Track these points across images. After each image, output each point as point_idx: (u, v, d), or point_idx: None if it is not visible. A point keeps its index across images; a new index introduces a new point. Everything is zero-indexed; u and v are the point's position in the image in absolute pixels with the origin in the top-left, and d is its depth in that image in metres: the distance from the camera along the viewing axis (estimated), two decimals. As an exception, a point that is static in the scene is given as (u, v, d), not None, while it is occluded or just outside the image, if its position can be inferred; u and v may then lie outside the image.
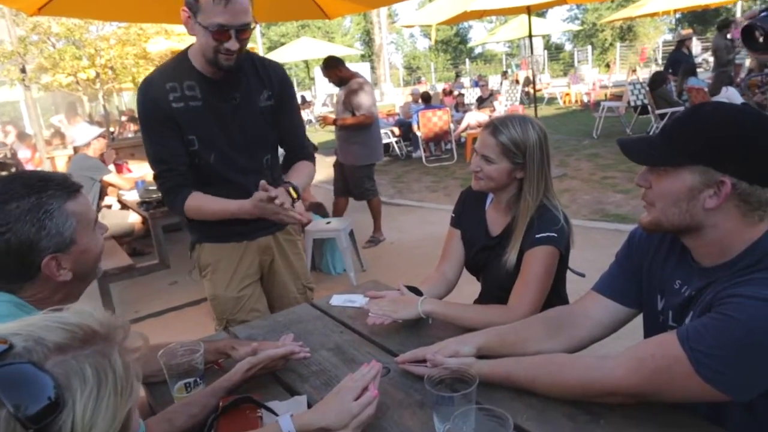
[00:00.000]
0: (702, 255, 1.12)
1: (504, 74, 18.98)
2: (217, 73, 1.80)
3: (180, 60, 1.83)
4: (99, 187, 4.82)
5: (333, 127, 5.08)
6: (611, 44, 32.64)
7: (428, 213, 6.39)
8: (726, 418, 1.08)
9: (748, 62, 10.33)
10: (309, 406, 1.25)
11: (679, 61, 9.57)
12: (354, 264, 4.42)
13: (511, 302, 1.57)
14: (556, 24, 18.22)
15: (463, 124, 9.68)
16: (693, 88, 8.14)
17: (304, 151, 2.08)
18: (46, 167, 6.51)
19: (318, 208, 4.81)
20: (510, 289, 1.61)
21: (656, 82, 8.33)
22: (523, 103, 13.94)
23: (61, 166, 6.55)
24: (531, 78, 12.30)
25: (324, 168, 4.82)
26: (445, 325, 1.57)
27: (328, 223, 4.44)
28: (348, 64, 5.18)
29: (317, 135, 11.09)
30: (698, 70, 10.79)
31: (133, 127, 9.97)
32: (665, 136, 1.11)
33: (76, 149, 4.94)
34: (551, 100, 17.14)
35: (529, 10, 7.93)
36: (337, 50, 17.39)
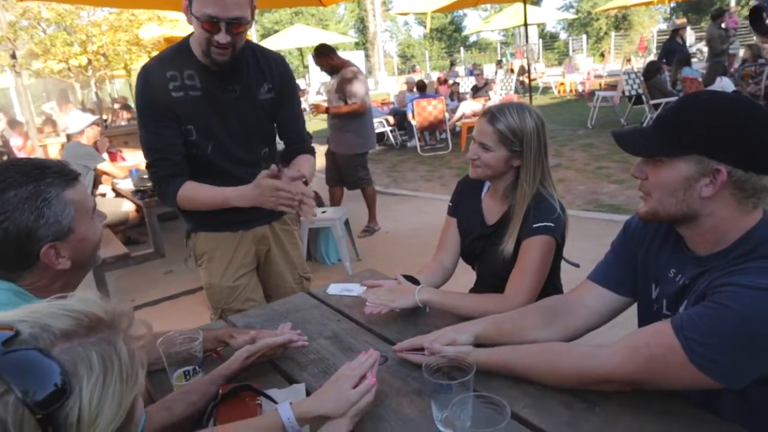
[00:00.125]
0: (697, 244, 1.13)
1: (499, 63, 18.93)
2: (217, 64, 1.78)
3: (181, 48, 1.81)
4: (93, 176, 4.79)
5: (325, 116, 5.05)
6: (606, 33, 32.57)
7: (423, 202, 6.39)
8: (720, 406, 1.09)
9: (742, 52, 10.36)
10: (307, 394, 1.27)
11: (673, 50, 9.57)
12: (349, 253, 4.43)
13: (508, 291, 1.58)
14: (551, 12, 18.19)
15: (458, 113, 9.67)
16: (687, 78, 8.16)
17: (305, 145, 2.07)
18: (39, 155, 6.44)
19: (315, 198, 4.79)
20: (505, 278, 1.63)
21: (651, 71, 8.34)
22: (518, 92, 13.90)
23: (54, 154, 6.49)
24: (526, 67, 12.28)
25: (317, 157, 4.84)
26: (442, 314, 1.58)
27: (323, 212, 4.44)
28: (342, 52, 5.16)
29: (310, 124, 11.02)
30: (692, 59, 10.79)
31: (126, 114, 9.89)
32: (659, 127, 1.11)
33: (69, 137, 4.90)
34: (546, 90, 17.11)
35: (524, -2, 7.90)
36: (331, 38, 17.25)
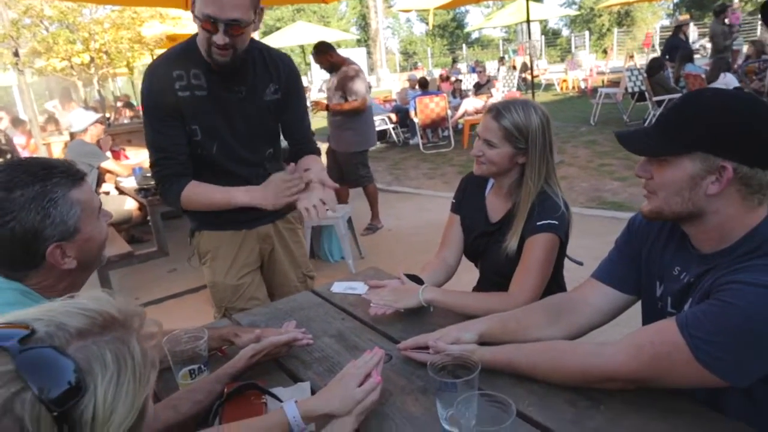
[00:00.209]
0: (701, 241, 1.13)
1: (501, 60, 18.89)
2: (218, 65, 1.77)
3: (188, 47, 1.80)
4: (96, 174, 4.80)
5: (325, 113, 5.05)
6: (609, 30, 32.47)
7: (426, 200, 6.39)
8: (724, 404, 1.09)
9: (745, 48, 10.31)
10: (312, 392, 1.27)
11: (676, 47, 9.54)
12: (352, 251, 4.43)
13: (512, 289, 1.59)
14: (554, 9, 18.13)
15: (461, 111, 9.66)
16: (690, 75, 8.13)
17: (311, 146, 2.06)
18: (42, 153, 6.46)
19: None
20: (509, 276, 1.63)
21: (654, 68, 8.31)
22: (520, 89, 13.89)
23: (57, 152, 6.50)
24: (528, 64, 12.25)
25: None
26: (446, 313, 1.58)
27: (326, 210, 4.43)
28: (344, 50, 5.17)
29: (311, 121, 11.02)
30: (695, 56, 10.75)
31: (128, 113, 9.90)
32: (663, 126, 1.11)
33: (72, 135, 4.91)
34: (548, 87, 17.07)
35: (527, -5, 7.87)
36: (333, 35, 17.22)
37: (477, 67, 14.29)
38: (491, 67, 17.53)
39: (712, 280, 1.04)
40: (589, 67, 16.82)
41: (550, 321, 1.34)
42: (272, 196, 1.72)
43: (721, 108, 1.06)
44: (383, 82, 23.67)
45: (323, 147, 4.81)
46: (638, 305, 1.34)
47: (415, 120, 9.23)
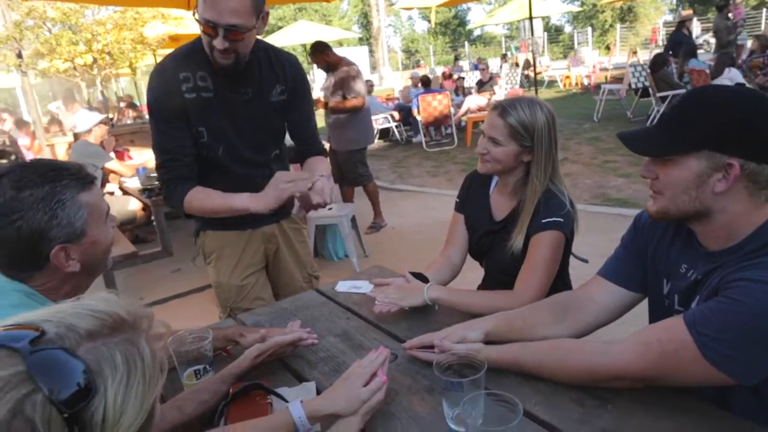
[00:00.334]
0: (709, 239, 1.12)
1: (503, 57, 18.84)
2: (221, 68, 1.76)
3: (193, 48, 1.78)
4: (101, 175, 4.81)
5: (322, 113, 5.06)
6: (611, 26, 32.34)
7: (429, 198, 6.38)
8: (732, 402, 1.09)
9: (749, 43, 10.26)
10: (318, 392, 1.27)
11: (679, 42, 9.50)
12: (356, 250, 4.43)
13: (518, 287, 1.58)
14: (556, 5, 18.00)
15: (464, 108, 9.64)
16: (694, 70, 8.09)
17: (318, 146, 2.04)
18: (46, 154, 6.48)
19: None
20: (514, 274, 1.62)
21: (657, 64, 8.27)
22: (523, 86, 13.85)
23: (61, 154, 6.52)
24: (531, 61, 12.22)
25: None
26: (451, 311, 1.57)
27: (329, 209, 4.44)
28: (346, 48, 5.18)
29: (316, 120, 11.02)
30: (699, 51, 10.70)
31: (132, 113, 9.92)
32: (666, 125, 1.10)
33: (76, 135, 4.91)
34: (551, 83, 17.03)
35: (529, -8, 7.85)
36: (335, 34, 17.20)
37: (480, 65, 14.25)
38: (494, 64, 17.50)
39: (720, 278, 1.03)
40: (592, 63, 16.77)
41: (556, 319, 1.33)
42: (272, 198, 1.68)
43: (725, 105, 1.05)
44: (385, 81, 23.62)
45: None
46: (645, 303, 1.33)
47: (418, 118, 9.22)
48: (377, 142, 10.39)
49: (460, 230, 1.89)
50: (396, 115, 10.27)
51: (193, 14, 1.64)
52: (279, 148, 2.00)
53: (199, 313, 3.62)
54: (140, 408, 0.62)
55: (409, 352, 1.36)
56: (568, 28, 37.56)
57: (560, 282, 1.70)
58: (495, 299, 1.55)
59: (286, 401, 1.20)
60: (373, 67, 27.67)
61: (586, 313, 1.33)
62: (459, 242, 1.88)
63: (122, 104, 11.14)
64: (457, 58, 23.68)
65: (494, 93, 10.38)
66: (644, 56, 14.69)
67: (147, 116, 1.92)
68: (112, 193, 5.27)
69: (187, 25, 8.18)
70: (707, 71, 7.85)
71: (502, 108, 1.64)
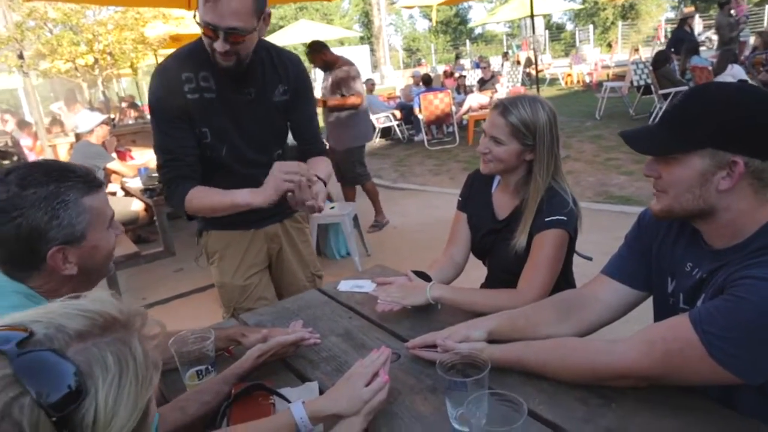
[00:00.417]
0: (714, 237, 1.11)
1: (505, 55, 18.81)
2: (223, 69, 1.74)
3: (195, 49, 1.76)
4: (103, 175, 4.81)
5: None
6: (613, 23, 32.26)
7: (431, 196, 6.37)
8: (738, 401, 1.08)
9: (752, 40, 10.22)
10: (320, 392, 1.26)
11: (681, 39, 9.46)
12: (359, 249, 4.42)
13: (521, 286, 1.57)
14: (557, 3, 17.96)
15: (465, 107, 9.62)
16: (697, 67, 8.06)
17: (320, 146, 2.03)
18: (48, 155, 6.48)
19: None
20: (517, 273, 1.61)
21: (659, 61, 8.24)
22: (525, 84, 13.83)
23: (63, 154, 6.53)
24: (532, 59, 12.19)
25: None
26: (454, 310, 1.57)
27: (331, 208, 4.44)
28: (347, 47, 5.19)
29: (318, 119, 11.03)
30: (701, 48, 10.67)
31: (133, 113, 9.93)
32: (668, 123, 1.09)
33: (78, 136, 4.92)
34: (553, 81, 17.00)
35: (530, -11, 7.82)
36: (336, 33, 17.19)
37: (481, 63, 14.22)
38: (495, 62, 17.47)
39: (725, 276, 1.02)
40: (593, 61, 16.74)
41: (560, 318, 1.32)
42: (272, 190, 1.64)
43: (728, 102, 1.04)
44: (387, 79, 23.60)
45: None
46: (649, 302, 1.32)
47: (420, 117, 9.21)
48: (379, 141, 10.39)
49: (463, 229, 1.88)
50: (397, 113, 10.26)
51: (194, 16, 1.63)
52: (282, 149, 1.99)
53: (201, 313, 3.62)
54: (133, 409, 0.61)
55: (412, 351, 1.35)
56: (569, 26, 37.51)
57: (563, 280, 1.69)
58: (498, 298, 1.54)
59: (289, 402, 1.19)
60: (375, 66, 27.65)
61: (589, 311, 1.32)
62: (461, 241, 1.88)
63: (124, 104, 11.15)
64: (458, 57, 23.62)
65: (496, 91, 10.35)
66: (646, 53, 14.65)
67: (149, 116, 1.91)
68: (114, 194, 5.27)
69: (188, 25, 8.19)
70: (710, 68, 7.82)
71: (504, 107, 1.63)
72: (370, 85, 11.31)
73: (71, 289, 1.16)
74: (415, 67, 19.11)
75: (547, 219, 1.58)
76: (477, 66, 15.54)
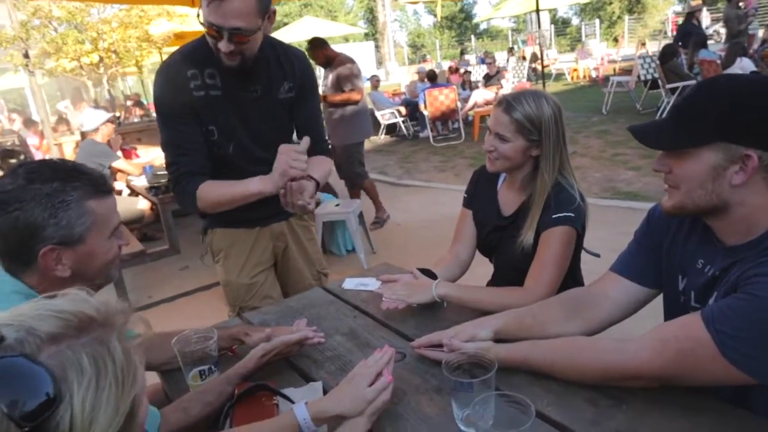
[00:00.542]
0: (727, 234, 1.08)
1: (510, 50, 18.72)
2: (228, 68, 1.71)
3: (200, 45, 1.74)
4: (108, 174, 4.82)
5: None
6: (619, 17, 32.03)
7: (437, 193, 6.35)
8: (752, 401, 1.05)
9: (761, 33, 10.11)
10: (324, 392, 1.25)
11: (689, 33, 9.37)
12: (364, 246, 4.41)
13: (528, 284, 1.55)
14: (563, -3, 17.92)
15: (470, 102, 9.59)
16: (705, 61, 7.99)
17: (323, 146, 2.00)
18: (54, 153, 6.51)
19: (326, 187, 4.81)
20: (524, 270, 1.59)
21: (667, 55, 8.16)
22: (531, 79, 13.76)
23: (69, 153, 6.55)
24: (538, 54, 12.13)
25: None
26: (460, 309, 1.55)
27: (337, 205, 4.43)
28: (352, 44, 5.19)
29: (323, 116, 11.02)
30: (709, 41, 10.56)
31: (138, 111, 9.95)
32: (678, 117, 1.07)
33: (83, 134, 4.92)
34: (559, 76, 16.89)
35: (536, -16, 7.77)
36: (341, 29, 17.18)
37: (487, 59, 14.16)
38: (500, 57, 17.39)
39: (739, 273, 1.00)
40: (600, 55, 16.63)
41: (568, 316, 1.30)
42: (278, 176, 1.63)
43: (739, 94, 1.01)
44: (392, 76, 23.52)
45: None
46: (658, 299, 1.30)
47: (425, 113, 9.18)
48: (384, 138, 10.36)
49: (469, 226, 1.86)
50: (403, 110, 10.23)
51: (198, 16, 1.60)
52: None
53: (207, 311, 3.62)
54: (114, 412, 0.58)
55: (417, 350, 1.33)
56: (575, 21, 37.32)
57: (571, 278, 1.66)
58: (505, 296, 1.52)
59: (292, 402, 1.18)
60: (380, 63, 27.58)
61: (598, 309, 1.30)
62: (467, 238, 1.85)
63: (129, 102, 11.17)
64: (463, 52, 23.56)
65: (501, 87, 10.31)
66: (653, 48, 14.54)
67: (154, 114, 1.89)
68: (120, 192, 5.28)
69: (192, 22, 8.19)
70: (718, 62, 7.74)
71: (507, 103, 1.60)
72: (375, 81, 11.28)
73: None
74: (420, 64, 19.06)
75: (554, 216, 1.56)
76: (482, 62, 15.47)
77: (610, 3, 33.63)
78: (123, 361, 0.61)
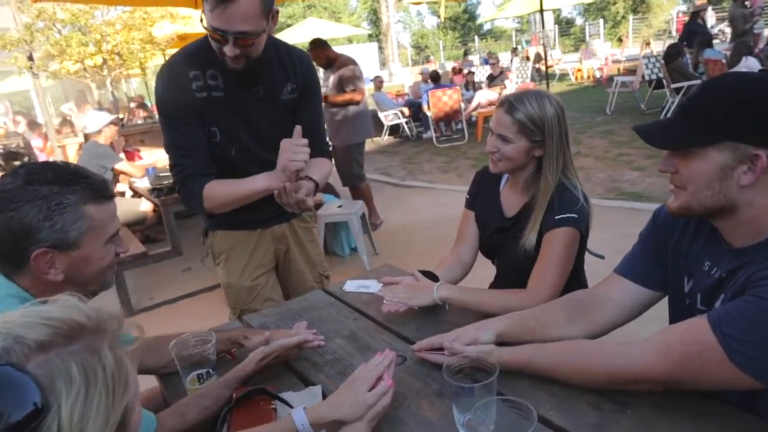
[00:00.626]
0: (734, 235, 1.06)
1: (514, 51, 18.67)
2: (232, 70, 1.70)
3: (202, 46, 1.72)
4: (111, 176, 4.82)
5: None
6: (623, 17, 31.93)
7: (440, 194, 6.32)
8: (761, 406, 1.03)
9: (767, 32, 10.05)
10: (324, 396, 1.23)
11: (694, 32, 9.31)
12: (366, 247, 4.39)
13: (531, 286, 1.53)
14: (567, -3, 17.85)
15: (474, 103, 9.56)
16: (710, 60, 7.93)
17: (323, 147, 1.98)
18: (58, 156, 6.52)
19: (327, 188, 4.81)
20: (527, 272, 1.57)
21: (671, 54, 8.11)
22: (534, 80, 13.71)
23: (72, 154, 6.56)
24: (542, 54, 12.08)
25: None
26: (462, 311, 1.53)
27: (339, 206, 4.42)
28: (356, 45, 5.19)
29: (326, 117, 11.02)
30: (714, 41, 10.50)
31: (142, 113, 9.97)
32: (684, 116, 1.05)
33: (87, 136, 4.93)
34: (563, 77, 16.84)
35: (539, -16, 7.74)
36: (344, 30, 17.19)
37: (490, 59, 14.11)
38: (504, 58, 17.35)
39: (746, 276, 0.97)
40: (604, 55, 16.55)
41: (571, 319, 1.28)
42: (280, 171, 1.63)
43: (744, 92, 0.99)
44: (395, 77, 23.51)
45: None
46: (663, 302, 1.27)
47: (428, 114, 9.16)
48: (387, 139, 10.35)
49: (471, 227, 1.84)
50: (406, 111, 10.22)
51: (201, 20, 1.59)
52: None
53: (209, 313, 3.61)
54: (105, 423, 0.56)
55: (418, 354, 1.31)
56: (579, 21, 37.20)
57: (574, 280, 1.64)
58: (507, 298, 1.50)
59: (291, 406, 1.16)
60: (383, 64, 27.58)
61: (602, 312, 1.28)
62: (470, 240, 1.84)
63: (133, 104, 11.20)
64: (466, 53, 23.49)
65: (505, 87, 10.27)
66: (657, 47, 14.47)
67: (157, 116, 1.87)
68: (122, 194, 5.28)
69: (195, 24, 8.20)
70: (723, 61, 7.69)
71: (509, 104, 1.58)
72: (379, 82, 11.27)
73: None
74: (423, 64, 19.00)
75: (557, 217, 1.54)
76: (486, 62, 15.43)
77: (615, 3, 33.53)
78: (114, 369, 0.59)
